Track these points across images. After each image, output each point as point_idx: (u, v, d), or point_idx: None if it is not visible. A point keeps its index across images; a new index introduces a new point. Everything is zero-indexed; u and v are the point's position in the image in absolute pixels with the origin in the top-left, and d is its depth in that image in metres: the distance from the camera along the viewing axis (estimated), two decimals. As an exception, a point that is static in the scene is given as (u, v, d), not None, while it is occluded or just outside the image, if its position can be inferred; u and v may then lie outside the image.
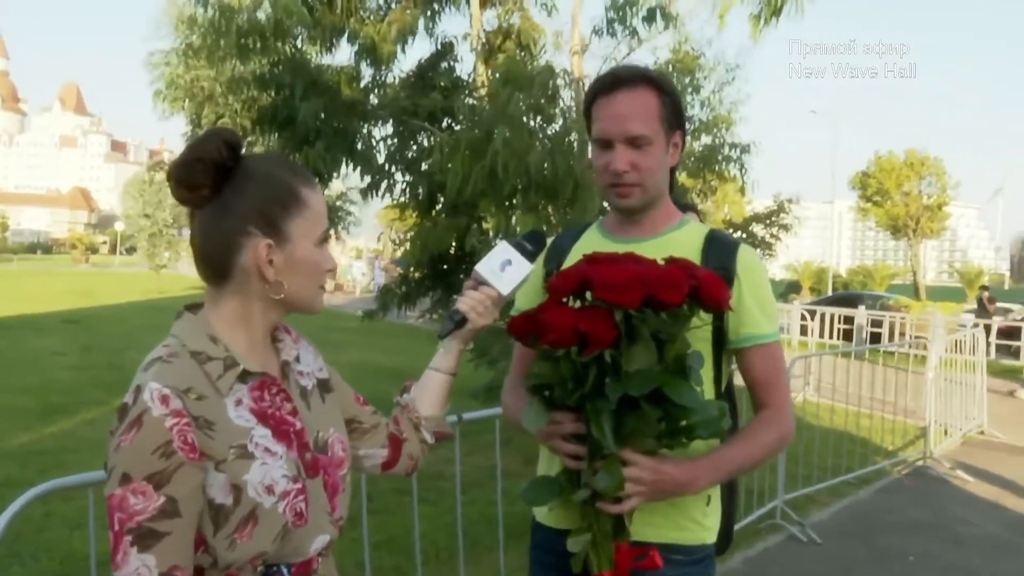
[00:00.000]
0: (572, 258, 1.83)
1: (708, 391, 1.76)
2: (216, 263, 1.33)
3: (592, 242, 1.91)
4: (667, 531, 1.75)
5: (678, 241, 1.82)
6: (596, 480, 1.51)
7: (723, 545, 1.95)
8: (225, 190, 1.30)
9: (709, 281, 1.52)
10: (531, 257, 1.70)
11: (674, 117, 1.81)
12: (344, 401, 1.59)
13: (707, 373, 1.77)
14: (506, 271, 1.67)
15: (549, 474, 1.72)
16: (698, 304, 1.52)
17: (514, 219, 6.23)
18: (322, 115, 7.00)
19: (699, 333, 1.70)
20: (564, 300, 1.57)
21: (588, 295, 1.53)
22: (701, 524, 1.80)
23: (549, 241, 2.03)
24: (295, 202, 1.33)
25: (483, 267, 1.68)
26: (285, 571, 1.33)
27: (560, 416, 1.59)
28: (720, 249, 1.81)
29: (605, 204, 6.91)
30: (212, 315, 1.35)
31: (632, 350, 1.47)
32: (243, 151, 1.34)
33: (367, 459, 1.65)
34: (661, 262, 1.55)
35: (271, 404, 1.35)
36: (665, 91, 1.80)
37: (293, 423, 1.37)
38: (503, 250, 1.70)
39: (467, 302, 1.66)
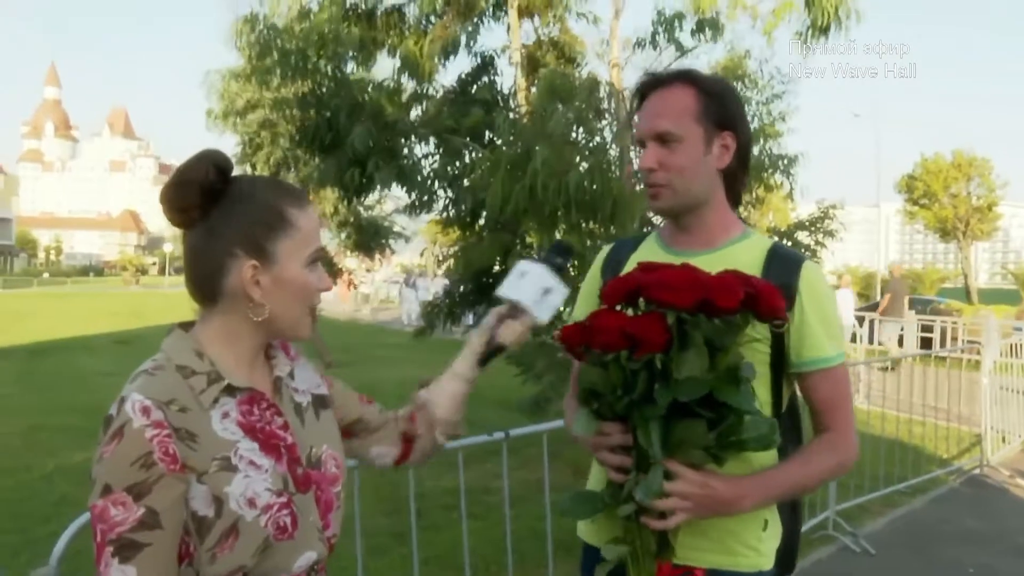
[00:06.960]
0: (628, 269, 1.74)
1: (765, 413, 1.66)
2: (204, 285, 1.34)
3: (649, 252, 1.85)
4: (716, 556, 1.66)
5: (736, 256, 1.72)
6: (637, 490, 1.46)
7: (787, 567, 1.83)
8: (213, 212, 1.31)
9: (765, 290, 1.46)
10: (562, 272, 1.68)
11: (720, 117, 1.71)
12: (349, 405, 1.61)
13: (764, 395, 1.68)
14: (546, 298, 1.65)
15: (595, 488, 1.67)
16: (753, 312, 1.46)
17: (557, 236, 6.22)
18: (370, 143, 7.01)
19: (757, 355, 1.64)
20: (617, 308, 1.52)
21: (641, 303, 1.48)
22: (756, 550, 1.69)
23: (605, 251, 1.99)
24: (282, 224, 1.33)
25: (520, 294, 1.65)
26: None
27: (608, 427, 1.53)
28: (782, 265, 1.70)
29: (649, 216, 6.92)
30: (201, 332, 1.35)
31: (683, 356, 1.42)
32: (233, 173, 1.34)
33: (379, 458, 1.67)
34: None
35: (260, 418, 1.35)
36: (706, 89, 1.71)
37: (284, 437, 1.36)
38: (540, 275, 1.66)
39: (509, 335, 1.64)
